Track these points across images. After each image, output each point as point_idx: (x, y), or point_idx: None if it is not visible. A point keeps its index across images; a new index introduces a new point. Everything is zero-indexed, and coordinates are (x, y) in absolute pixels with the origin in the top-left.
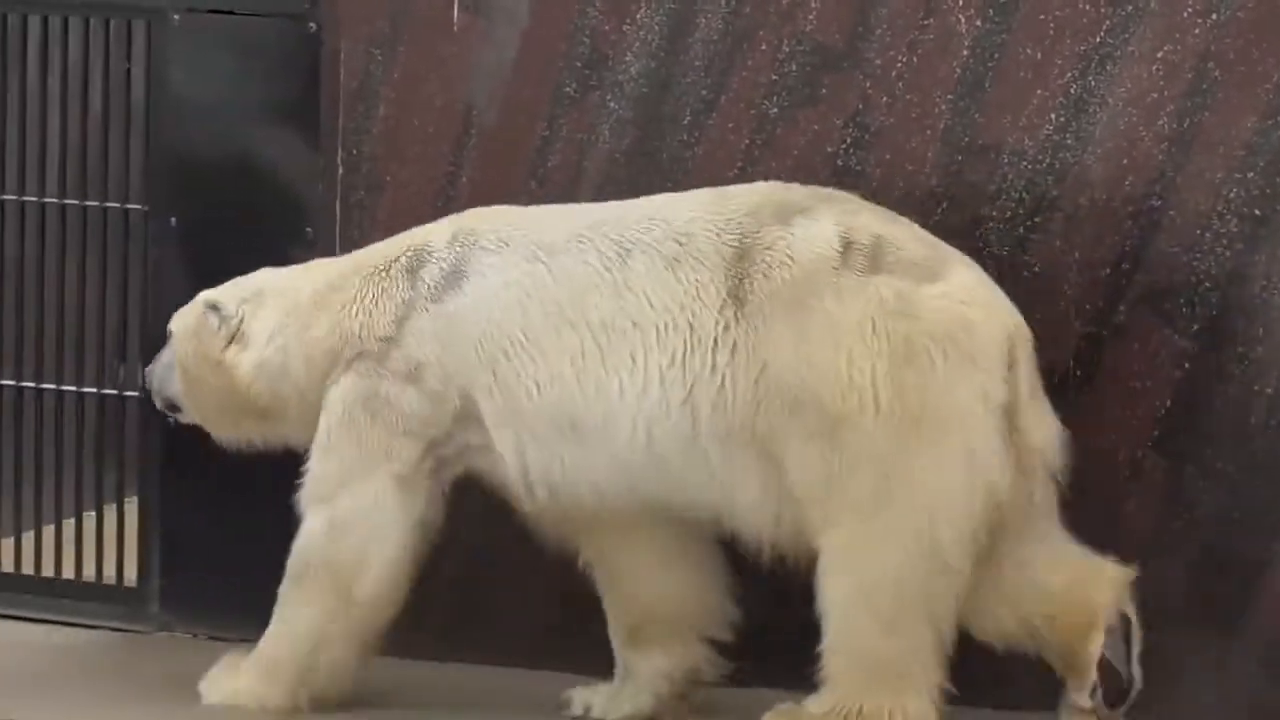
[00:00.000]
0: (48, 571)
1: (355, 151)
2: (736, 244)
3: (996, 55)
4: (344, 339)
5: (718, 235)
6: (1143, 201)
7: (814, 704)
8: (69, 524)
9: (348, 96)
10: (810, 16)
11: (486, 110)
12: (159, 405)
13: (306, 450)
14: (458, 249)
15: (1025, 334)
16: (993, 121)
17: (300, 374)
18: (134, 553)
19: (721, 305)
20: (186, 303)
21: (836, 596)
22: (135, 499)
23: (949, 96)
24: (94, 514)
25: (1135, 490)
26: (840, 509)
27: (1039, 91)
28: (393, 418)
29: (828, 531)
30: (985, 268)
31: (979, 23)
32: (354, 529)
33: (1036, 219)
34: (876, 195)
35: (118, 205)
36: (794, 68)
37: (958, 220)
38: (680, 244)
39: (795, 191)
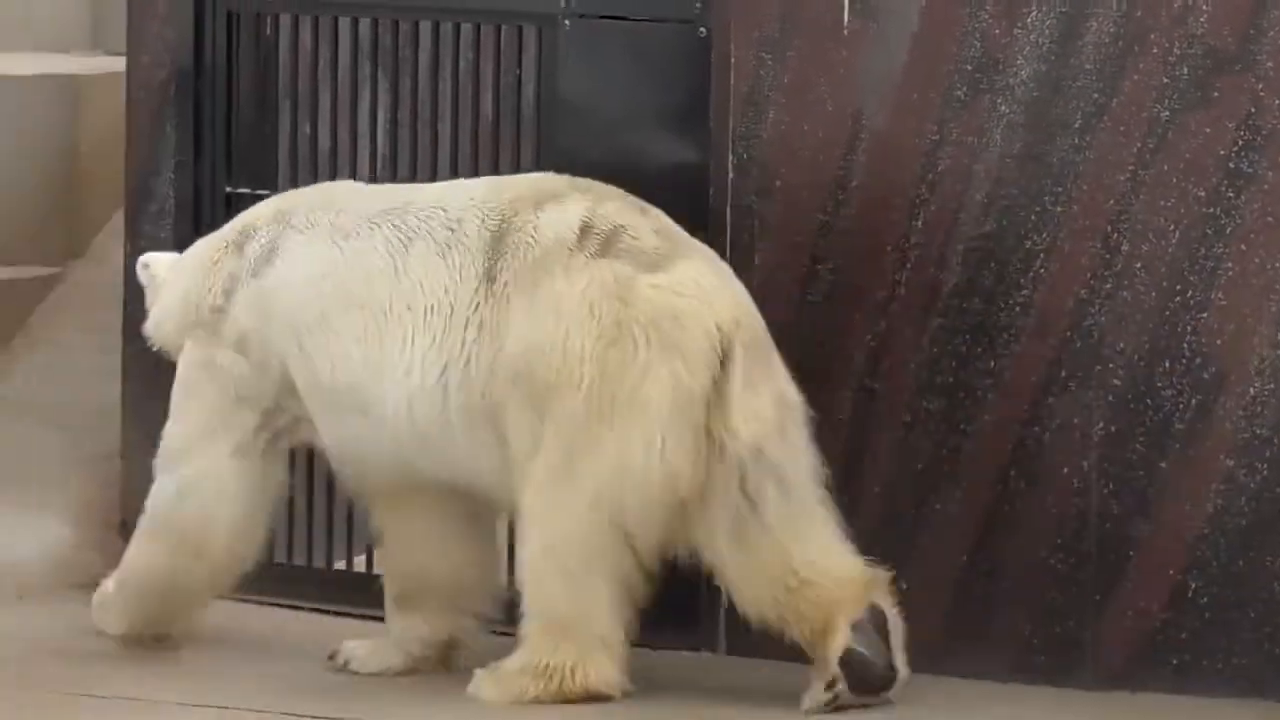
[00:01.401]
0: None
1: (746, 156)
2: (496, 228)
3: None
4: (189, 307)
5: (483, 222)
6: None
7: (510, 661)
8: None
9: (738, 101)
10: (1202, 19)
11: (876, 114)
12: None
13: None
14: (275, 227)
15: (747, 330)
16: None
17: (169, 335)
18: None
19: (476, 286)
20: None
21: (526, 557)
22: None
23: None
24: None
25: None
26: (535, 474)
27: None
28: (228, 385)
29: (523, 496)
30: None
31: None
32: (198, 493)
33: None
34: (1269, 200)
35: None
36: (1185, 70)
37: None
38: (452, 230)
39: (560, 180)
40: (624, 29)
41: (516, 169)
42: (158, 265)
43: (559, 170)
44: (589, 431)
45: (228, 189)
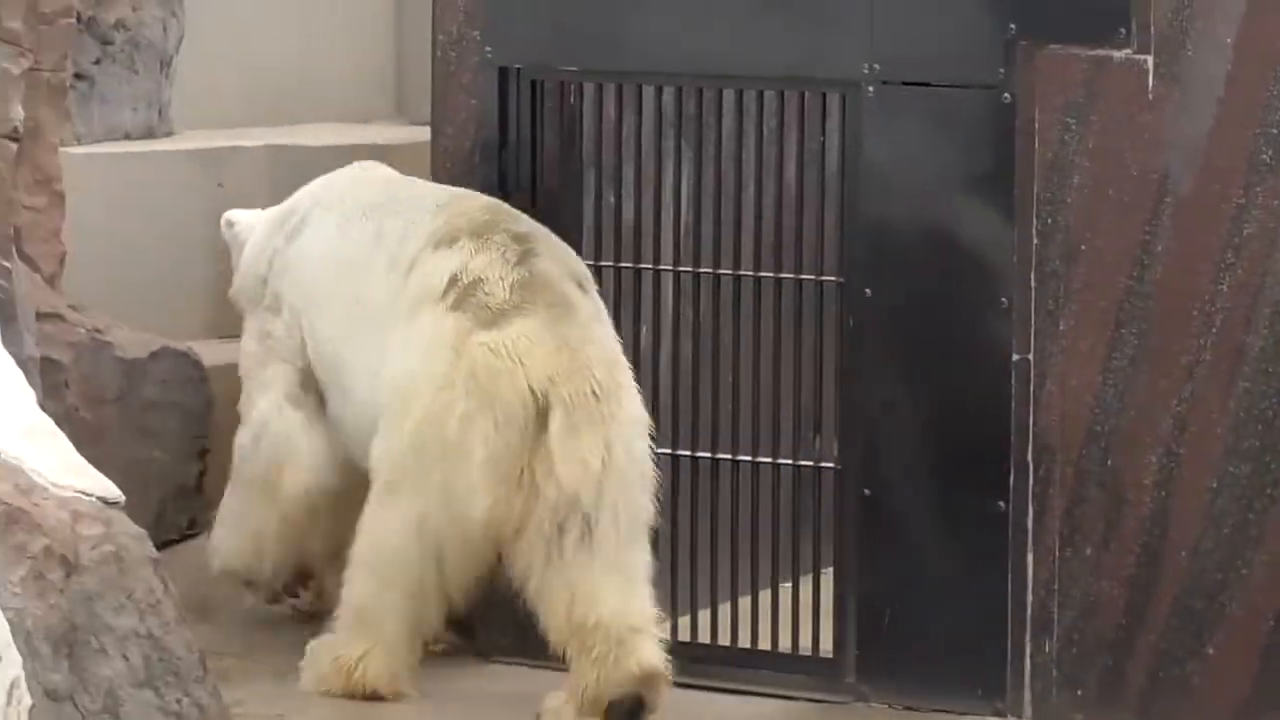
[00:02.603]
0: (744, 643)
1: (1050, 221)
2: (412, 259)
3: None
4: (247, 279)
5: (413, 249)
6: None
7: (317, 643)
8: (765, 595)
9: (1042, 166)
10: None
11: (1181, 179)
12: None
13: None
14: (308, 202)
15: (567, 385)
16: None
17: (240, 302)
18: (829, 623)
19: (396, 313)
20: (882, 374)
21: (352, 555)
22: (830, 569)
23: None
24: (790, 584)
25: None
26: (374, 489)
27: None
28: (271, 344)
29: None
30: None
31: None
32: (267, 436)
33: None
34: None
35: (813, 278)
36: None
37: None
38: (399, 247)
39: (476, 217)
40: (927, 95)
41: (819, 236)
42: (241, 223)
43: (865, 236)
44: (415, 464)
45: None
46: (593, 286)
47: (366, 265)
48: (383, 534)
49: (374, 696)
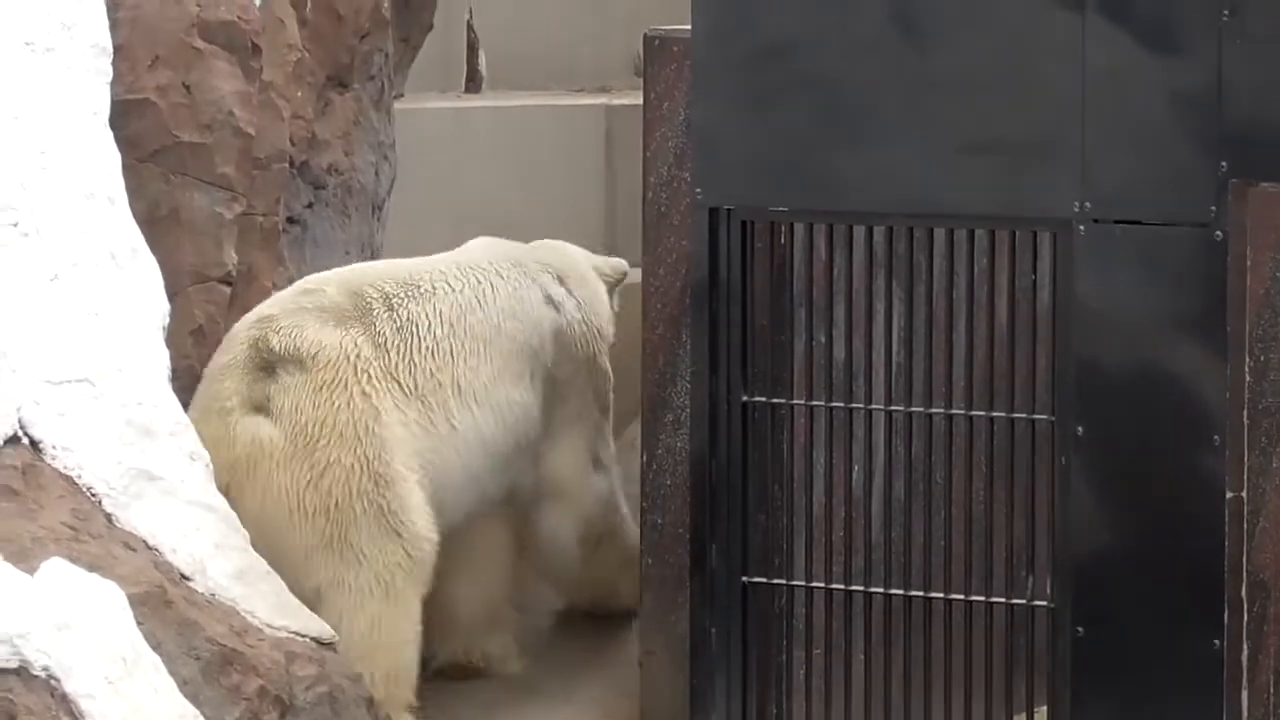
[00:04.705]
0: None
1: (1263, 358)
2: None
3: None
4: None
5: None
6: None
7: None
8: None
9: (1254, 303)
10: None
11: None
12: None
13: None
14: None
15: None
16: None
17: None
18: None
19: None
20: (1094, 513)
21: None
22: (1044, 708)
23: None
24: None
25: None
26: None
27: None
28: None
29: None
30: None
31: None
32: None
33: None
34: None
35: (1024, 416)
36: None
37: None
38: None
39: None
40: (1138, 233)
41: (1031, 375)
42: None
43: (1076, 374)
44: None
45: (744, 398)
46: (390, 306)
47: None
48: None
49: None
